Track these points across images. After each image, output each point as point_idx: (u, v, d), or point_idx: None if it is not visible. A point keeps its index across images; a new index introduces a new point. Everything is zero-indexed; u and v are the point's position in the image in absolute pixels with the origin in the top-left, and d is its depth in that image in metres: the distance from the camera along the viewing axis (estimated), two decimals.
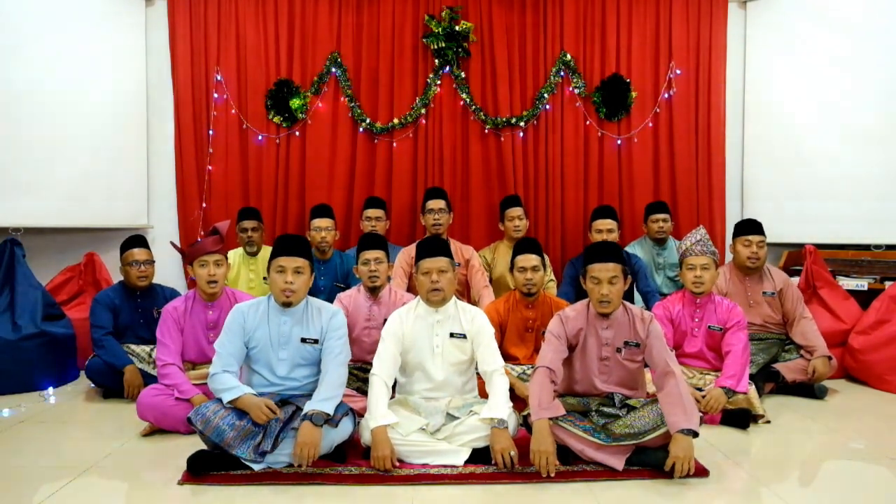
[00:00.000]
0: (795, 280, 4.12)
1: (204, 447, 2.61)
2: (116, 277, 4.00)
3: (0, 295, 3.90)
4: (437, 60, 4.86)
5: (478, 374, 2.91)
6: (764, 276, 3.81)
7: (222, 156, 4.91)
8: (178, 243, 4.73)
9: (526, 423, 2.73)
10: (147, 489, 2.46)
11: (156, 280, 3.78)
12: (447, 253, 2.87)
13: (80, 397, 3.66)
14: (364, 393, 3.04)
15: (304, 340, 2.75)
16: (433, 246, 2.88)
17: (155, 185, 4.94)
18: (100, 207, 4.60)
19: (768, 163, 4.99)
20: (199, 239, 3.87)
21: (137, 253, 3.66)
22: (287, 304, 2.73)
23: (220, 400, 2.65)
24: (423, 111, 4.90)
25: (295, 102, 4.83)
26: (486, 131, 4.94)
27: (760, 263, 3.76)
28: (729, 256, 4.00)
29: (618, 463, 2.56)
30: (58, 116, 4.34)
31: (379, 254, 3.40)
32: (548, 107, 4.96)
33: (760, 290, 3.79)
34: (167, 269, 4.51)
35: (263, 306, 2.80)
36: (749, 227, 3.77)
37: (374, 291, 3.44)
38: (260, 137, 4.91)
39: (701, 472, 2.54)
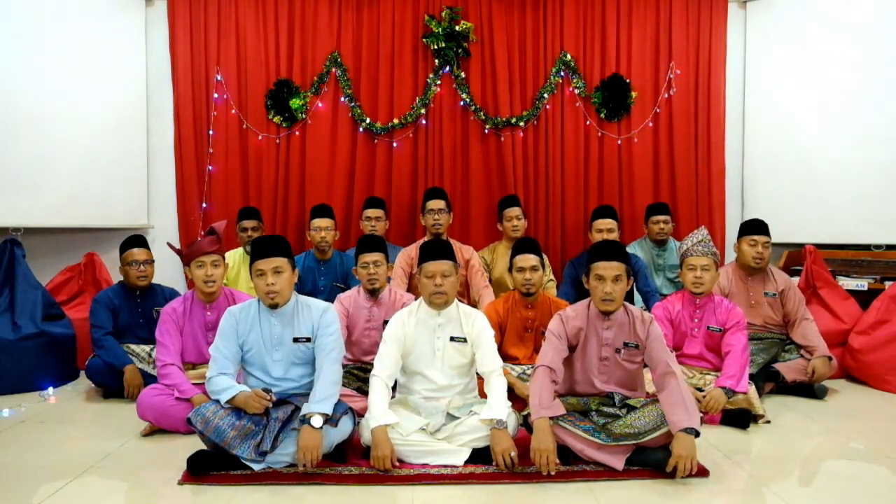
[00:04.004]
0: (795, 280, 4.12)
1: (204, 447, 2.61)
2: (116, 277, 3.99)
3: (0, 295, 3.90)
4: (437, 60, 4.86)
5: (478, 374, 2.91)
6: (766, 276, 3.81)
7: (222, 156, 4.91)
8: (178, 243, 4.74)
9: (526, 423, 2.73)
10: (147, 489, 2.46)
11: (156, 280, 3.78)
12: (451, 256, 2.86)
13: (80, 397, 3.66)
14: (364, 393, 3.04)
15: (296, 340, 2.74)
16: (436, 249, 2.87)
17: (155, 185, 4.94)
18: (100, 207, 4.59)
19: (768, 163, 4.99)
20: (199, 239, 3.87)
21: (137, 253, 3.66)
22: (274, 306, 2.72)
23: (219, 400, 2.65)
24: (423, 111, 4.90)
25: (295, 102, 4.83)
26: (486, 131, 4.94)
27: (764, 264, 3.76)
28: (729, 257, 3.99)
29: (618, 463, 2.56)
30: (58, 116, 4.33)
31: (378, 256, 3.39)
32: (548, 107, 4.96)
33: (762, 291, 3.79)
34: (167, 269, 4.50)
35: (254, 309, 2.78)
36: (755, 227, 3.76)
37: (373, 293, 3.44)
38: (260, 137, 4.91)
39: (701, 472, 2.54)
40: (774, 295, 3.77)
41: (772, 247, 3.81)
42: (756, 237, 3.74)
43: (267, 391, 2.64)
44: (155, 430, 3.01)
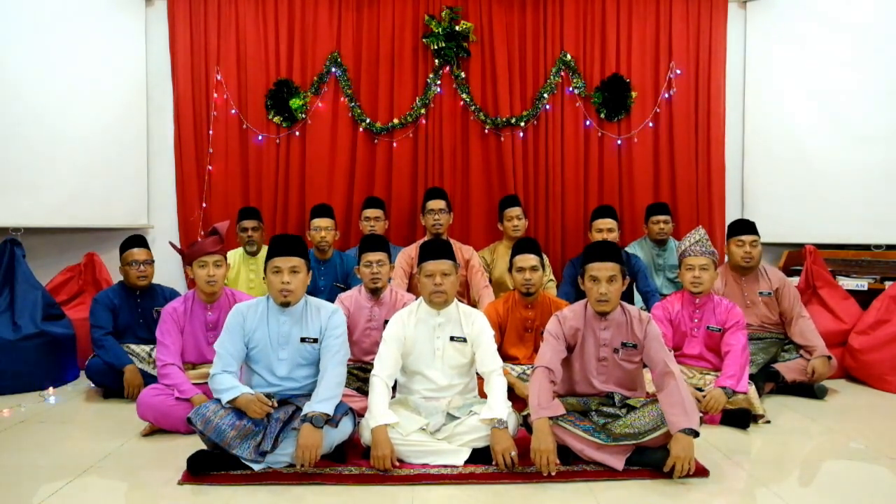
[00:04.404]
0: (795, 280, 4.12)
1: (204, 447, 2.61)
2: (116, 277, 4.00)
3: (0, 295, 3.90)
4: (437, 60, 4.86)
5: (478, 374, 2.91)
6: (760, 276, 3.81)
7: (222, 156, 4.91)
8: (178, 243, 4.73)
9: (526, 423, 2.73)
10: (147, 489, 2.46)
11: (156, 280, 3.78)
12: (450, 255, 2.87)
13: (80, 397, 3.66)
14: (364, 393, 3.05)
15: (303, 340, 2.75)
16: (436, 248, 2.87)
17: (155, 185, 4.94)
18: (100, 207, 4.59)
19: (768, 163, 4.99)
20: (200, 239, 3.87)
21: (137, 253, 3.66)
22: (285, 304, 2.73)
23: (220, 400, 2.65)
24: (423, 111, 4.89)
25: (295, 102, 4.83)
26: (486, 131, 4.94)
27: (755, 263, 3.76)
28: (728, 257, 4.00)
29: (618, 463, 2.56)
30: (58, 116, 4.33)
31: (381, 256, 3.40)
32: (548, 107, 4.96)
33: (757, 291, 3.79)
34: (167, 269, 4.51)
35: (262, 306, 2.79)
36: (741, 227, 3.77)
37: (375, 293, 3.44)
38: (260, 137, 4.91)
39: (701, 472, 2.54)
40: (769, 294, 3.77)
41: (771, 247, 3.82)
42: (743, 237, 3.74)
43: (269, 396, 2.64)
44: (155, 430, 3.01)
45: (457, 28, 4.79)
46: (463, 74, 4.89)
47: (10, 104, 4.10)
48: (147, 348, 3.60)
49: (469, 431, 2.66)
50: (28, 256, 4.10)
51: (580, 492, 2.43)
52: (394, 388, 2.88)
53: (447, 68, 4.88)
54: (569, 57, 4.94)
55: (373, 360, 2.84)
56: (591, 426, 2.63)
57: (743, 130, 5.12)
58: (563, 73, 4.96)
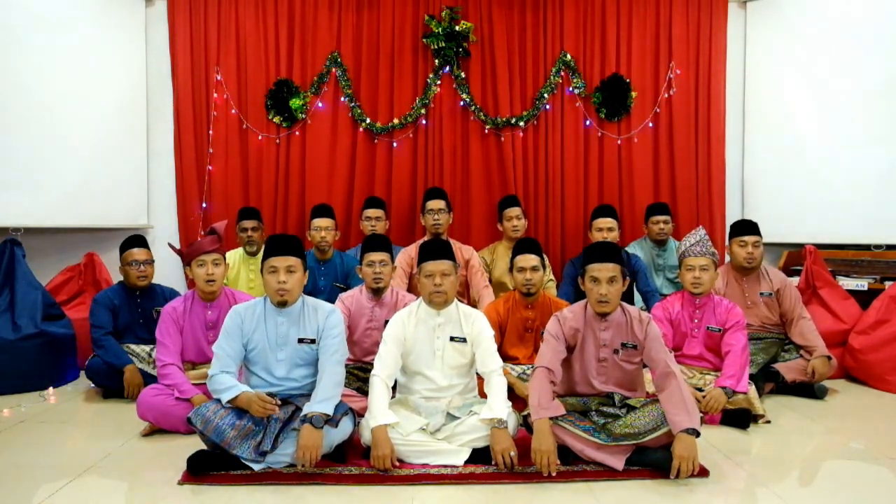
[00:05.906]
0: (795, 280, 4.12)
1: (204, 447, 2.61)
2: (116, 277, 4.00)
3: (0, 295, 3.90)
4: (437, 60, 4.86)
5: (478, 374, 2.91)
6: (761, 276, 3.81)
7: (222, 156, 4.91)
8: (178, 243, 4.74)
9: (526, 423, 2.73)
10: (147, 489, 2.46)
11: (156, 280, 3.78)
12: (450, 255, 2.87)
13: (80, 397, 3.66)
14: (364, 393, 3.05)
15: (301, 340, 2.74)
16: (436, 248, 2.87)
17: (155, 185, 4.95)
18: (100, 207, 4.59)
19: (768, 163, 4.99)
20: (199, 239, 3.88)
21: (137, 253, 3.66)
22: (282, 304, 2.73)
23: (219, 400, 2.65)
24: (423, 111, 4.89)
25: (295, 102, 4.83)
26: (486, 131, 4.94)
27: (757, 263, 3.76)
28: (729, 257, 4.00)
29: (618, 463, 2.56)
30: (58, 116, 4.33)
31: (384, 256, 3.40)
32: (548, 107, 4.96)
33: (758, 291, 3.79)
34: (167, 269, 4.51)
35: (260, 307, 2.79)
36: (744, 228, 3.77)
37: (377, 293, 3.44)
38: (260, 137, 4.91)
39: (701, 472, 2.54)
40: (770, 295, 3.77)
41: (771, 247, 3.82)
42: (745, 238, 3.74)
43: (271, 395, 2.63)
44: (155, 430, 3.01)
45: (457, 28, 4.79)
46: (463, 74, 4.89)
47: (10, 104, 4.11)
48: (147, 348, 3.60)
49: (469, 431, 2.66)
50: (28, 256, 4.10)
51: (580, 492, 2.43)
52: (394, 388, 2.88)
53: (447, 68, 4.88)
54: (569, 57, 4.94)
55: (373, 360, 2.84)
56: (591, 426, 2.63)
57: (743, 130, 5.12)
58: (563, 73, 4.96)
